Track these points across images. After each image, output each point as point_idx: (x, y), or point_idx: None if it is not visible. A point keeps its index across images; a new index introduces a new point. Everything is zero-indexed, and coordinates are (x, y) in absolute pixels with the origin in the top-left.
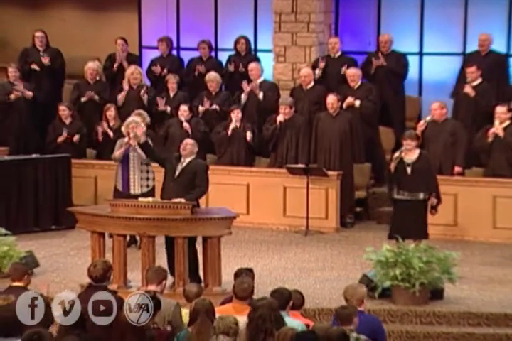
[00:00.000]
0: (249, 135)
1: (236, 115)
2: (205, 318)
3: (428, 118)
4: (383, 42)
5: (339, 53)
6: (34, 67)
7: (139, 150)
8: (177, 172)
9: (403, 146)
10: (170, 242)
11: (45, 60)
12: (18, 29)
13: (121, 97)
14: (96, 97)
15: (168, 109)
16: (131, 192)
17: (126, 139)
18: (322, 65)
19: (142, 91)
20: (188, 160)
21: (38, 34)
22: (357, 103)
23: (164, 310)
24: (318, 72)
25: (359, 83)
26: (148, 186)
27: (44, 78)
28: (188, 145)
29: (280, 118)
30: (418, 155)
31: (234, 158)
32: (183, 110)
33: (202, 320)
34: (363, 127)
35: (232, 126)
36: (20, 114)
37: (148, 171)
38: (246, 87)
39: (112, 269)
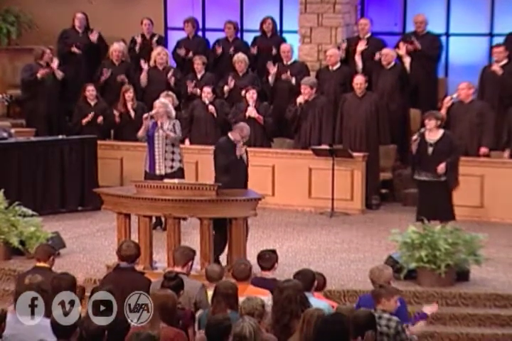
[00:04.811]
0: (253, 112)
1: (251, 96)
2: (219, 300)
3: (455, 95)
4: (418, 23)
5: (369, 35)
6: (74, 49)
7: (167, 130)
8: (245, 158)
9: (422, 128)
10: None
11: (93, 37)
12: (45, 11)
13: (143, 77)
14: (126, 80)
15: (198, 91)
16: (157, 172)
17: (145, 115)
18: (344, 46)
19: (170, 74)
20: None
21: (79, 15)
22: (407, 60)
23: (190, 292)
24: (341, 53)
25: (392, 63)
26: (172, 167)
27: (83, 60)
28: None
29: (300, 99)
30: (441, 136)
31: (251, 141)
32: (207, 92)
33: (217, 302)
34: (392, 108)
35: (248, 112)
36: (47, 95)
37: (173, 152)
38: (272, 69)
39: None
